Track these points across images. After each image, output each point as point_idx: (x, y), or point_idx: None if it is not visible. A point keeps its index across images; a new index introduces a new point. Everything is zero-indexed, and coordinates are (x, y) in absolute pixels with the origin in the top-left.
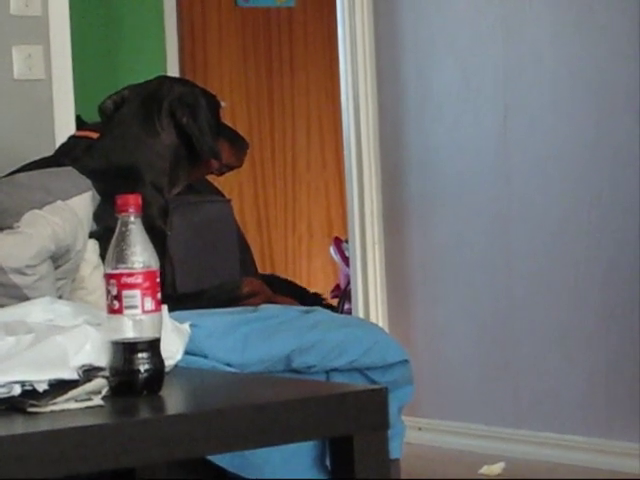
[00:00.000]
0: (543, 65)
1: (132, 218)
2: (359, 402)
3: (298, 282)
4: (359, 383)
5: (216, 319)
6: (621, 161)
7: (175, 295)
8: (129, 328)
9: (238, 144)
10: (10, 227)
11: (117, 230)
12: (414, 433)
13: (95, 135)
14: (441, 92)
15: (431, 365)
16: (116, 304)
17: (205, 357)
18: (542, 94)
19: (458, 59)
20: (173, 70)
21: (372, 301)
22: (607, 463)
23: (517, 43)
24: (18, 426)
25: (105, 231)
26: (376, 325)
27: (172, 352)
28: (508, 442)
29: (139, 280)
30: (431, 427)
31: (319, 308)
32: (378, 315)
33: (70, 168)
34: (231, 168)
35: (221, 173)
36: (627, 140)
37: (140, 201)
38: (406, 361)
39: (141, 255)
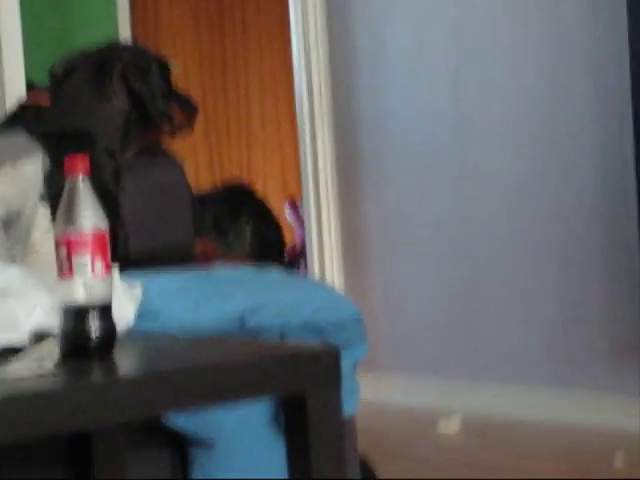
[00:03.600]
0: (496, 24)
1: (80, 180)
2: (311, 361)
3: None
4: (312, 342)
5: (168, 279)
6: (577, 119)
7: (128, 257)
8: (80, 291)
9: (189, 108)
10: None
11: (65, 192)
12: (371, 391)
13: (45, 103)
14: (394, 51)
15: (389, 324)
16: (66, 267)
17: (157, 317)
18: (495, 53)
19: (410, 17)
20: (125, 32)
21: (327, 262)
22: (565, 414)
23: (470, 2)
24: None
25: (56, 195)
26: (328, 284)
27: (124, 315)
28: (466, 396)
29: (88, 242)
30: (388, 384)
31: (272, 268)
32: (334, 276)
33: (19, 132)
34: (183, 132)
35: (173, 136)
36: (582, 96)
37: (87, 163)
38: (359, 319)
39: (90, 218)
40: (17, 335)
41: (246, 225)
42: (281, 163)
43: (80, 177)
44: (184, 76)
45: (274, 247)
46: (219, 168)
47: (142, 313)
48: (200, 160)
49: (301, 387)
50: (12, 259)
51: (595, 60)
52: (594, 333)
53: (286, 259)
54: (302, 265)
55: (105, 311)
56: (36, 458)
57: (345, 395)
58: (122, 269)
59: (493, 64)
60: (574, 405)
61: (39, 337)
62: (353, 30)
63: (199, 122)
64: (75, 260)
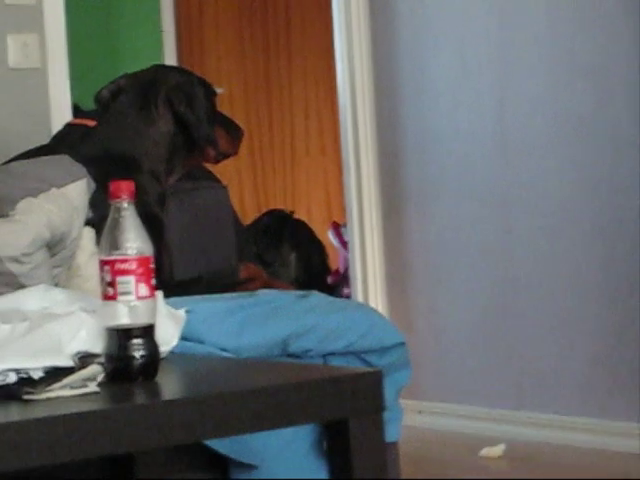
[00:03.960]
0: (540, 49)
1: (125, 204)
2: (355, 385)
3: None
4: (356, 367)
5: (212, 304)
6: (620, 144)
7: (172, 282)
8: (124, 314)
9: (234, 132)
10: (5, 215)
11: (110, 216)
12: (414, 416)
13: (91, 123)
14: (438, 77)
15: (432, 349)
16: (110, 290)
17: (201, 342)
18: (539, 77)
19: (455, 44)
20: (170, 56)
21: (371, 285)
22: (607, 444)
23: (513, 27)
24: (14, 414)
25: (101, 219)
26: (373, 308)
27: (167, 338)
28: (509, 424)
29: (133, 266)
30: (431, 410)
31: (316, 292)
32: (377, 299)
33: (65, 156)
34: (227, 156)
35: (217, 161)
36: (626, 122)
37: (133, 187)
38: (403, 344)
39: (134, 241)
40: (61, 358)
41: (290, 252)
42: (325, 188)
43: (125, 201)
44: (229, 101)
45: (318, 271)
46: (263, 192)
47: (186, 336)
48: (244, 184)
49: (344, 412)
50: (56, 282)
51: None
52: (638, 361)
53: (329, 282)
54: (345, 289)
55: (149, 334)
56: (79, 478)
57: (388, 420)
58: (166, 293)
59: (537, 90)
60: (617, 434)
61: (83, 360)
62: (398, 57)
63: (243, 146)
64: (119, 283)
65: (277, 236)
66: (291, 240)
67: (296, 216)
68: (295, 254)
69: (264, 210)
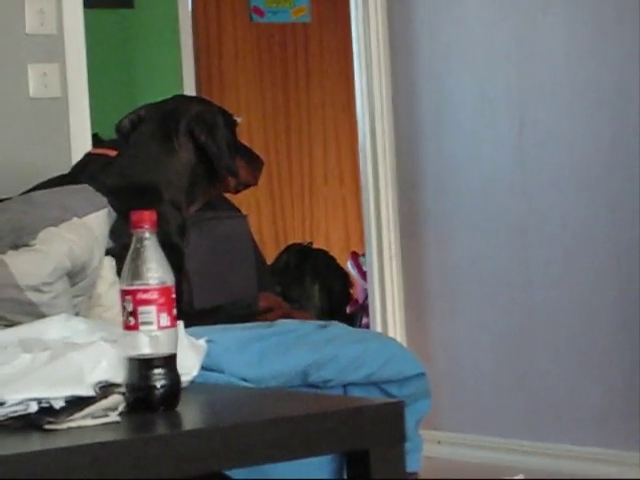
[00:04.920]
0: (558, 77)
1: (147, 234)
2: (376, 416)
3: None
4: (376, 397)
5: (232, 334)
6: (637, 172)
7: (192, 311)
8: (145, 344)
9: (254, 162)
10: (26, 244)
11: (132, 246)
12: (433, 447)
13: (112, 153)
14: (457, 106)
15: (449, 379)
16: (132, 320)
17: (222, 372)
18: (557, 106)
19: (473, 72)
20: (189, 87)
21: (390, 315)
22: (625, 474)
23: (532, 55)
24: (35, 443)
25: (122, 248)
26: (393, 339)
27: (188, 368)
28: (526, 455)
29: (154, 296)
30: (450, 440)
31: (336, 322)
32: (396, 329)
33: (86, 185)
34: (247, 186)
35: (238, 191)
36: None
37: (155, 217)
38: (423, 374)
39: (156, 271)
40: (82, 387)
41: (313, 284)
42: (344, 217)
43: (147, 231)
44: (247, 131)
45: (340, 300)
46: (282, 222)
47: (207, 367)
48: (263, 214)
49: (365, 442)
50: (77, 311)
51: None
52: None
53: (348, 312)
54: (364, 318)
55: (170, 363)
56: None
57: (408, 451)
58: (187, 323)
59: (555, 119)
60: (634, 464)
61: (105, 389)
62: (416, 84)
63: (262, 175)
64: (141, 313)
65: (299, 271)
66: (312, 272)
67: (315, 246)
68: (318, 285)
69: (282, 240)
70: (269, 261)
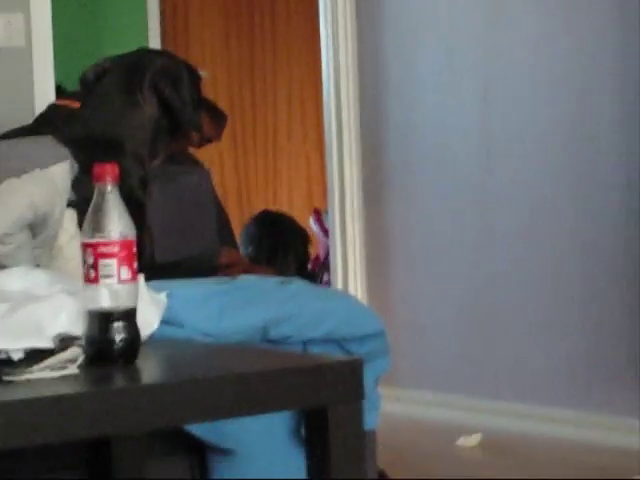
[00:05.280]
0: (525, 48)
1: (109, 187)
2: (334, 373)
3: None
4: (335, 354)
5: (193, 289)
6: (601, 144)
7: (153, 265)
8: (105, 297)
9: (218, 117)
10: None
11: (94, 199)
12: (392, 404)
13: (75, 104)
14: (423, 67)
15: (410, 337)
16: (92, 273)
17: (181, 327)
18: (523, 73)
19: (440, 37)
20: (155, 39)
21: (351, 272)
22: (585, 436)
23: (499, 22)
24: None
25: (83, 200)
26: (353, 296)
27: (148, 322)
28: (486, 414)
29: (116, 249)
30: (409, 398)
31: (296, 279)
32: (357, 286)
33: (49, 137)
34: (210, 141)
35: (200, 145)
36: (608, 120)
37: (117, 170)
38: (382, 332)
39: (118, 224)
40: (42, 339)
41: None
42: (307, 174)
43: (109, 184)
44: (212, 85)
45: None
46: (245, 177)
47: (166, 321)
48: (226, 168)
49: (324, 400)
50: (38, 263)
51: (623, 78)
52: (616, 353)
53: (309, 269)
54: (325, 275)
55: (130, 317)
56: (54, 461)
57: (366, 408)
58: (148, 277)
59: (521, 82)
60: (594, 425)
61: (64, 342)
62: (382, 45)
63: (226, 131)
64: (101, 266)
65: (268, 242)
66: (276, 240)
67: (277, 209)
68: (280, 251)
69: (244, 195)
70: (234, 222)
